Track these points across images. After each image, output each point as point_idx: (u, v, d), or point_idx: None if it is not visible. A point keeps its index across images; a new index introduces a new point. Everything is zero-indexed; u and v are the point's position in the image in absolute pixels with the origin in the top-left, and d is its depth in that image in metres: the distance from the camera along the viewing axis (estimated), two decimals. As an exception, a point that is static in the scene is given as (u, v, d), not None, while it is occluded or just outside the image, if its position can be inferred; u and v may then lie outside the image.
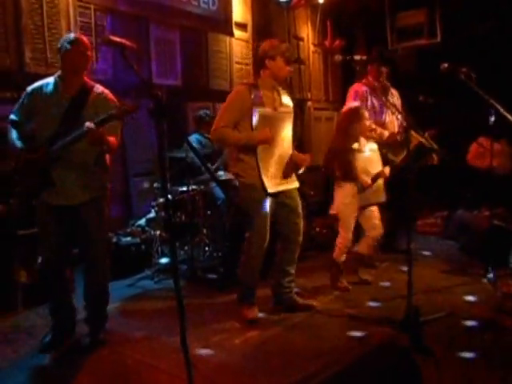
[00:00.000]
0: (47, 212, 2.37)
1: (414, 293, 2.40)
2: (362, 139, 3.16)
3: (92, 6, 4.08)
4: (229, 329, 2.64)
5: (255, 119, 2.57)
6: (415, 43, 6.17)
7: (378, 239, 3.28)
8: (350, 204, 3.11)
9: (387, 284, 3.26)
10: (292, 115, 2.76)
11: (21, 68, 3.66)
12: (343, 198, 3.12)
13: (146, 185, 3.91)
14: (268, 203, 2.65)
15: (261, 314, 2.74)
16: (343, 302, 2.98)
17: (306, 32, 6.50)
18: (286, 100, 2.74)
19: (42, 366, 2.29)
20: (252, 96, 2.58)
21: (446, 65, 2.84)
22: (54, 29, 3.85)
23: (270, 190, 2.62)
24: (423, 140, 3.28)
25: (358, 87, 3.63)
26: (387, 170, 3.19)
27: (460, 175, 4.58)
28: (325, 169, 3.31)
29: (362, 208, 3.18)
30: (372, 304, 2.93)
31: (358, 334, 2.49)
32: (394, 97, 3.72)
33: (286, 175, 2.69)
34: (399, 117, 3.54)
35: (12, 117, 2.40)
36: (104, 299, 2.54)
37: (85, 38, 2.43)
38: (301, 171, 2.79)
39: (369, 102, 3.58)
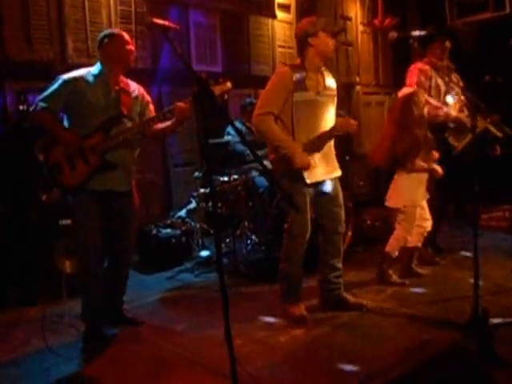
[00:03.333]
0: (93, 198, 2.43)
1: (481, 294, 2.23)
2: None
3: (132, -7, 4.15)
4: (273, 326, 2.59)
5: (295, 105, 2.50)
6: (478, 17, 5.77)
7: (428, 231, 3.18)
8: (413, 196, 3.01)
9: (448, 282, 3.07)
10: (336, 98, 2.68)
11: (64, 59, 3.80)
12: (404, 189, 3.02)
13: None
14: (307, 193, 2.57)
15: (307, 312, 2.66)
16: (397, 301, 2.84)
17: (355, 11, 6.27)
18: (330, 82, 2.65)
19: (82, 356, 2.36)
20: (294, 79, 2.50)
21: None
22: (96, 19, 3.96)
23: (309, 181, 2.54)
24: (490, 126, 3.04)
25: (422, 65, 3.41)
26: (439, 169, 3.05)
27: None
28: (374, 161, 3.17)
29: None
30: (430, 304, 2.76)
31: (416, 336, 2.35)
32: (456, 80, 3.48)
33: (326, 163, 2.61)
34: (463, 98, 3.30)
35: (42, 104, 2.37)
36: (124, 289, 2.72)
37: (125, 33, 2.54)
38: (347, 158, 2.69)
39: (433, 81, 3.36)
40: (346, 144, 5.71)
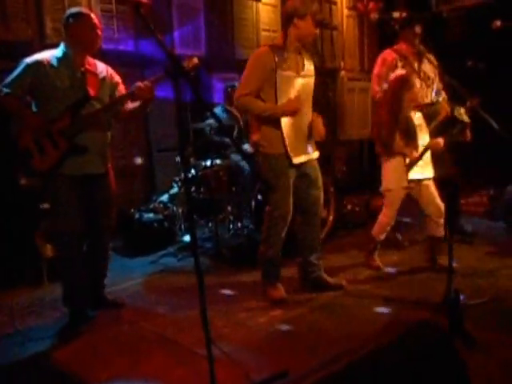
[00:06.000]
0: (68, 183, 2.43)
1: (455, 275, 2.34)
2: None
3: (111, -28, 4.07)
4: (253, 307, 2.67)
5: (278, 84, 2.52)
6: (464, 3, 5.82)
7: (442, 216, 3.02)
8: (397, 180, 3.00)
9: (424, 265, 3.17)
10: (313, 80, 2.71)
11: (42, 39, 3.74)
12: (389, 173, 3.03)
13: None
14: (290, 174, 2.62)
15: (287, 294, 2.74)
16: (375, 283, 2.95)
17: (340, -6, 6.25)
18: (309, 64, 2.70)
19: (63, 338, 2.40)
20: (276, 59, 2.52)
21: (498, 22, 2.64)
22: (74, -2, 3.88)
23: (295, 161, 2.60)
24: (456, 113, 3.07)
25: (387, 55, 3.34)
26: (440, 140, 2.99)
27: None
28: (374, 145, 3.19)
29: (410, 184, 3.03)
30: (405, 285, 2.87)
31: (390, 315, 2.44)
32: (430, 63, 3.46)
33: (308, 143, 2.67)
34: (434, 86, 3.33)
35: (5, 90, 2.33)
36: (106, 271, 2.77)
37: (93, 15, 2.47)
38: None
39: (397, 71, 3.37)
40: (328, 130, 5.75)
